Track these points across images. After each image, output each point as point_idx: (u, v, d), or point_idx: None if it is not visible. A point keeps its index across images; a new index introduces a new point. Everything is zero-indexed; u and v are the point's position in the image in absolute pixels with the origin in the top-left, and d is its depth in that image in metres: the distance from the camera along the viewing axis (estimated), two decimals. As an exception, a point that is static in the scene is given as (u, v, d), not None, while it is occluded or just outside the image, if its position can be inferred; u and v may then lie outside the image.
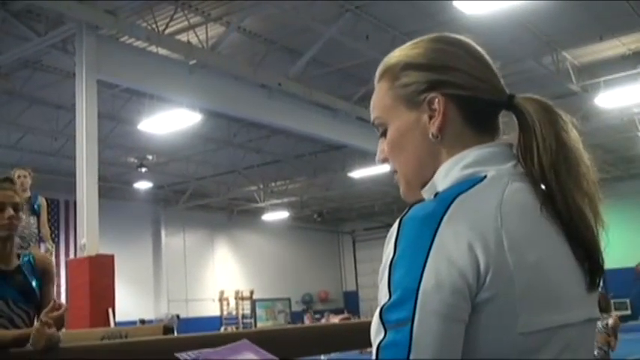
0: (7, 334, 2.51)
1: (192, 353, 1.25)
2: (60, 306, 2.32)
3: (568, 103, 12.52)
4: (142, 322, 16.04)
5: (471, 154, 1.02)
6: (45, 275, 2.82)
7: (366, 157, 15.53)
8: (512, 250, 0.90)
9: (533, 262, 0.91)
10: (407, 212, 0.94)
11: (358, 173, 17.36)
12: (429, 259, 0.88)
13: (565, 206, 0.98)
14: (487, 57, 1.08)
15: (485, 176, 0.98)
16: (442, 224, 0.90)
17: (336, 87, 12.27)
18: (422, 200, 1.01)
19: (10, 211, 2.68)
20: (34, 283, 2.75)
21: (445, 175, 1.02)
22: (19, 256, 2.79)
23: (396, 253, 0.90)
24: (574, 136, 1.03)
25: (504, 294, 0.88)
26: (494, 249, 0.89)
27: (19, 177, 6.72)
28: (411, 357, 0.85)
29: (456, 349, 0.87)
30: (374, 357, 0.88)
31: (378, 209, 24.62)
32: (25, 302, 2.69)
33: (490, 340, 0.89)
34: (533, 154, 1.00)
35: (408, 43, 1.10)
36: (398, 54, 1.09)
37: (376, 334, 0.88)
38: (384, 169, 16.84)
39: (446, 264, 0.87)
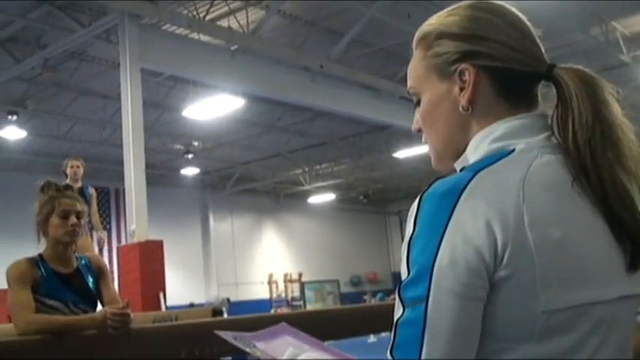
0: (58, 320, 2.60)
1: (230, 333, 1.26)
2: (119, 311, 2.58)
3: (619, 75, 12.16)
4: (192, 305, 16.33)
5: (501, 127, 0.99)
6: (100, 273, 2.94)
7: (411, 137, 15.39)
8: (534, 226, 0.87)
9: (557, 238, 0.88)
10: (428, 188, 0.92)
11: (403, 153, 17.24)
12: (445, 237, 0.86)
13: (600, 184, 0.94)
14: (528, 25, 1.03)
15: (513, 149, 0.96)
16: (460, 200, 0.88)
17: (378, 67, 12.18)
18: (453, 172, 0.99)
19: (74, 219, 2.81)
20: (91, 284, 2.87)
21: (475, 149, 1.00)
22: (77, 258, 2.90)
23: (415, 230, 0.90)
24: (616, 110, 0.98)
25: (524, 271, 0.86)
26: (513, 225, 0.86)
27: (72, 167, 6.89)
28: (426, 335, 0.84)
29: (472, 327, 0.86)
30: (392, 333, 0.88)
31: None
32: (83, 303, 2.80)
33: (511, 318, 0.86)
34: (568, 128, 0.96)
35: (446, 10, 1.06)
36: (434, 22, 1.06)
37: (396, 311, 0.89)
38: (428, 148, 16.61)
39: (462, 241, 0.86)
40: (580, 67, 1.01)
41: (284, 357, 1.06)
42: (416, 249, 0.88)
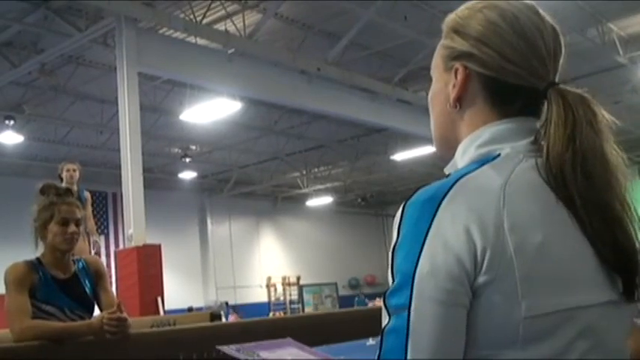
0: (55, 326, 2.58)
1: (233, 346, 1.25)
2: (118, 316, 2.53)
3: (616, 76, 12.20)
4: (190, 309, 16.30)
5: (487, 132, 0.99)
6: (98, 276, 2.92)
7: (408, 140, 15.42)
8: (514, 231, 0.86)
9: (538, 242, 0.87)
10: (411, 196, 0.92)
11: (401, 156, 17.25)
12: (426, 244, 0.86)
13: (573, 208, 0.92)
14: (543, 37, 1.00)
15: (499, 154, 0.96)
16: (441, 207, 0.88)
17: (375, 69, 12.18)
18: (449, 161, 1.02)
19: (73, 227, 2.79)
20: (88, 289, 2.85)
21: (462, 154, 1.01)
22: (74, 262, 2.89)
23: (399, 238, 0.90)
24: (598, 142, 0.94)
25: (504, 277, 0.85)
26: (492, 231, 0.86)
27: (67, 171, 6.88)
28: (410, 343, 0.84)
29: (456, 334, 0.86)
30: (379, 341, 0.88)
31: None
32: (80, 309, 2.78)
33: (494, 324, 0.86)
34: (543, 150, 0.95)
35: (470, 2, 1.06)
36: (461, 14, 1.06)
37: (383, 319, 0.89)
38: (426, 150, 16.80)
39: (442, 248, 0.86)
40: (580, 91, 0.98)
41: None
42: (399, 257, 0.89)
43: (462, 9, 1.07)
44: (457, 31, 1.03)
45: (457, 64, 1.01)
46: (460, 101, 1.01)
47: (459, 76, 1.01)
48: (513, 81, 0.98)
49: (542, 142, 0.97)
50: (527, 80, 0.99)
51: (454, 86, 1.01)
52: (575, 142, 0.94)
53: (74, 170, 6.91)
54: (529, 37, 1.00)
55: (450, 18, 1.07)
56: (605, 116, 0.98)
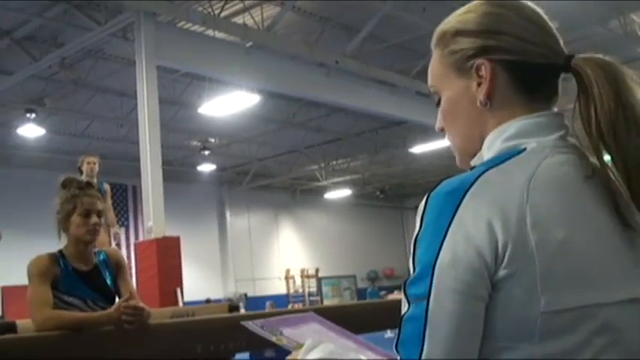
0: (76, 316, 2.63)
1: (258, 322, 1.27)
2: (133, 304, 2.58)
3: (638, 68, 12.01)
4: (208, 301, 16.41)
5: (514, 126, 0.99)
6: (118, 268, 2.97)
7: (427, 132, 15.35)
8: (536, 227, 0.87)
9: (560, 239, 0.87)
10: (435, 187, 0.93)
11: (419, 148, 17.20)
12: (447, 236, 0.87)
13: (625, 174, 0.93)
14: (544, 18, 1.03)
15: (525, 149, 0.96)
16: (464, 200, 0.89)
17: (393, 62, 12.14)
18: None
19: (95, 218, 2.84)
20: (109, 280, 2.89)
21: (489, 147, 1.00)
22: (95, 254, 2.93)
23: (421, 229, 0.91)
24: (639, 94, 0.97)
25: (524, 272, 0.86)
26: (514, 226, 0.86)
27: (88, 163, 6.96)
28: (427, 331, 0.86)
29: (473, 326, 0.87)
30: (398, 328, 0.90)
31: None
32: (102, 300, 2.82)
33: (512, 317, 0.87)
34: (591, 116, 0.95)
35: (464, 8, 1.07)
36: (451, 20, 1.07)
37: (403, 307, 0.91)
38: (445, 143, 16.57)
39: (463, 241, 0.87)
40: (599, 55, 1.00)
41: (306, 344, 1.07)
42: (420, 247, 0.90)
43: (450, 17, 1.08)
44: (460, 33, 1.03)
45: (478, 61, 1.00)
46: (490, 97, 1.00)
47: (486, 71, 1.00)
48: (538, 60, 0.99)
49: (575, 131, 0.98)
50: (548, 57, 1.00)
51: (480, 84, 1.01)
52: (622, 97, 0.95)
53: (94, 163, 6.98)
54: (534, 18, 1.02)
55: (444, 27, 1.07)
56: (629, 71, 0.99)
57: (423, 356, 0.85)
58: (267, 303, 18.07)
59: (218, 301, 16.83)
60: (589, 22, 10.79)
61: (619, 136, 0.93)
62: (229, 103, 12.26)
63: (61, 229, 2.86)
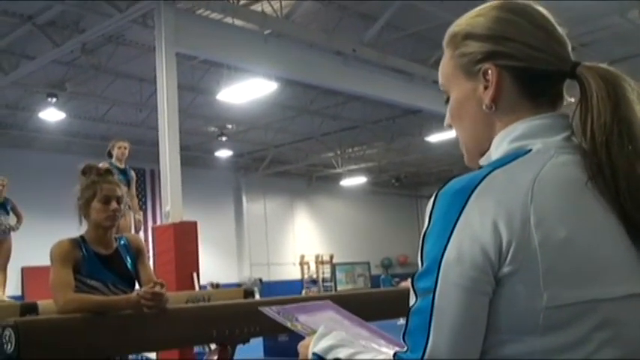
0: (96, 299, 2.72)
1: (274, 308, 1.32)
2: (154, 291, 2.68)
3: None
4: (217, 286, 16.40)
5: (520, 127, 1.02)
6: (139, 253, 3.04)
7: (443, 121, 15.24)
8: (540, 226, 0.90)
9: (563, 237, 0.91)
10: (444, 186, 0.98)
11: (436, 137, 17.14)
12: (454, 233, 0.91)
13: (614, 184, 0.96)
14: (554, 24, 1.06)
15: (530, 149, 0.99)
16: (470, 199, 0.93)
17: (411, 51, 12.11)
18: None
19: (115, 205, 2.90)
20: (129, 265, 2.97)
21: (496, 148, 1.04)
22: (116, 239, 3.01)
23: (429, 225, 0.95)
24: (638, 109, 0.99)
25: (527, 268, 0.90)
26: (519, 225, 0.90)
27: (119, 148, 7.06)
28: (432, 324, 0.91)
29: (477, 319, 0.91)
30: (406, 319, 0.95)
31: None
32: (122, 284, 2.91)
33: (515, 311, 0.91)
34: (587, 126, 0.99)
35: (474, 10, 1.09)
36: (462, 22, 1.10)
37: (410, 299, 0.96)
38: (461, 132, 16.40)
39: (469, 239, 0.91)
40: (605, 65, 1.03)
41: (318, 330, 1.10)
42: (428, 243, 0.95)
43: (462, 19, 1.11)
44: (470, 36, 1.06)
45: (486, 66, 1.03)
46: (496, 101, 1.03)
47: (493, 76, 1.03)
48: (544, 66, 1.02)
49: (576, 134, 1.01)
50: (554, 64, 1.03)
51: (486, 88, 1.04)
52: (620, 110, 0.97)
53: (125, 148, 7.09)
54: (542, 24, 1.05)
55: (455, 29, 1.10)
56: (633, 84, 1.02)
57: (428, 347, 0.90)
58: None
59: (230, 285, 16.95)
60: (608, 12, 10.69)
61: (611, 150, 0.96)
62: (247, 90, 12.28)
63: (82, 215, 2.93)
